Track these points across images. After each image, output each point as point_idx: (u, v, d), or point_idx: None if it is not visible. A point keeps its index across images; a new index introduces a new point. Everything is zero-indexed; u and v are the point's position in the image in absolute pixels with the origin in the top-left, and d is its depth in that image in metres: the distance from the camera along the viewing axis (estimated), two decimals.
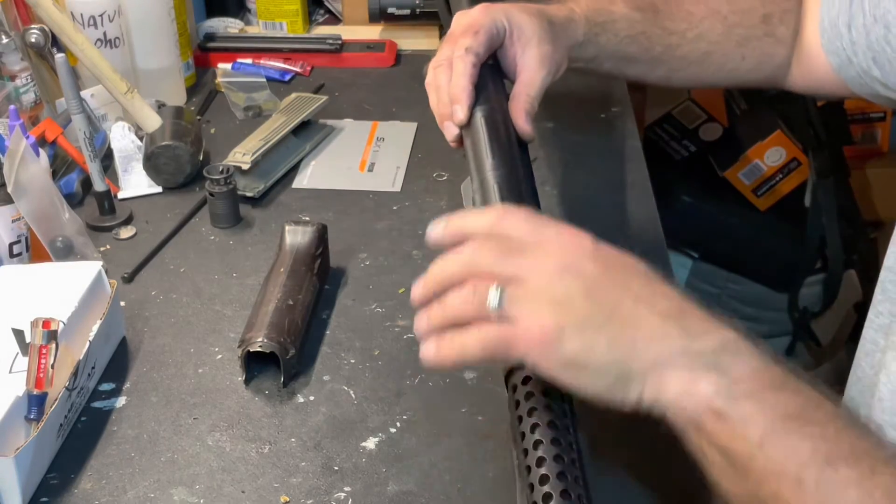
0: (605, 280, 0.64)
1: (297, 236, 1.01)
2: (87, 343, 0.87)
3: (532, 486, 0.55)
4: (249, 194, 1.17)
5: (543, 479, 0.55)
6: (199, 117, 1.36)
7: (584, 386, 0.62)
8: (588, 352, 0.61)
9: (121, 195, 1.19)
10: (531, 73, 0.91)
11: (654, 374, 0.60)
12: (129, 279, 1.05)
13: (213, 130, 1.35)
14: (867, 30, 0.90)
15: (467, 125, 0.86)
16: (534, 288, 0.62)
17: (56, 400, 0.81)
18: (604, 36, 0.97)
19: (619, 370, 0.61)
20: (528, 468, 0.56)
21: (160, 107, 1.29)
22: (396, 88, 1.46)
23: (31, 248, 1.02)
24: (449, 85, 0.87)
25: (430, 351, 0.65)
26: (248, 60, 1.51)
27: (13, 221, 0.99)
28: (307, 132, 1.29)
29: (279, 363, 0.90)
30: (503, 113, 0.86)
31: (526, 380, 0.60)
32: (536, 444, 0.57)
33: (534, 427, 0.57)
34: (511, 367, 0.61)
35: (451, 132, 0.87)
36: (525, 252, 0.64)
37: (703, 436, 0.59)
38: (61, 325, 0.82)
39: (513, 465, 0.61)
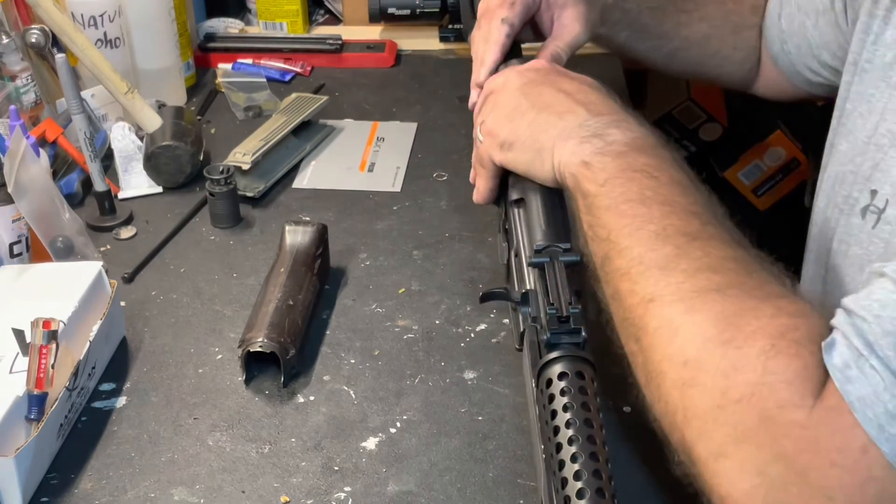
0: (540, 79, 0.81)
1: (297, 236, 1.01)
2: (88, 343, 0.87)
3: (565, 481, 0.55)
4: (250, 194, 1.17)
5: (578, 475, 0.55)
6: (199, 117, 1.36)
7: (516, 162, 0.78)
8: (513, 132, 0.78)
9: (121, 195, 1.19)
10: (565, 28, 0.95)
11: (559, 143, 0.74)
12: (129, 279, 1.05)
13: (213, 130, 1.35)
14: (792, 18, 0.98)
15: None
16: (493, 111, 0.81)
17: (56, 400, 0.81)
18: (630, 1, 1.02)
19: (536, 144, 0.76)
20: (562, 463, 0.56)
21: (160, 107, 1.29)
22: (396, 88, 1.46)
23: (31, 248, 1.02)
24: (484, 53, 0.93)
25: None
26: (249, 60, 1.51)
27: (13, 221, 0.99)
28: (307, 132, 1.29)
29: (279, 363, 0.90)
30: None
31: (562, 375, 0.60)
32: (572, 439, 0.57)
33: (569, 423, 0.58)
34: (544, 361, 0.62)
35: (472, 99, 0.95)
36: (495, 92, 0.83)
37: (576, 185, 0.71)
38: (61, 325, 0.82)
39: (538, 459, 0.62)
